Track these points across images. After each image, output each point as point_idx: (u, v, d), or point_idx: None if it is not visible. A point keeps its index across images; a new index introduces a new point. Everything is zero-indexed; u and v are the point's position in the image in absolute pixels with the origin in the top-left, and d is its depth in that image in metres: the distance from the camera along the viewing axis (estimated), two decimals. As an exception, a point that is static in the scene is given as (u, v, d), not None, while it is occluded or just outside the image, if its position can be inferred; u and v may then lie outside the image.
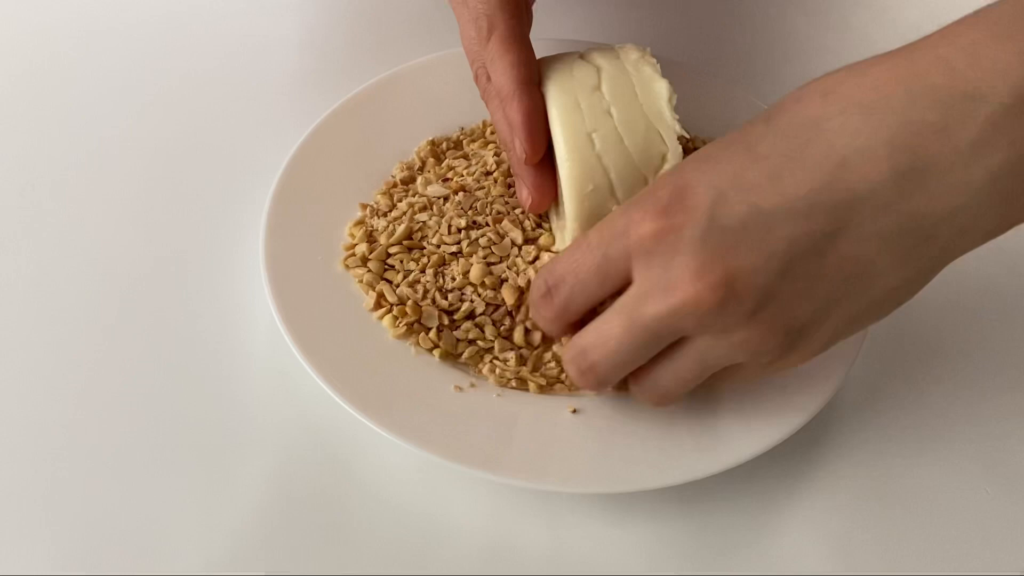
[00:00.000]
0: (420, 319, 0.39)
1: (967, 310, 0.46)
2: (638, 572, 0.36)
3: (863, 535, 0.38)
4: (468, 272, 0.40)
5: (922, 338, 0.44)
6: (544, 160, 0.39)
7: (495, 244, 0.41)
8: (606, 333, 0.33)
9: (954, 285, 0.46)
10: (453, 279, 0.41)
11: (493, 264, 0.41)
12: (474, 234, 0.42)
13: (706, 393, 0.39)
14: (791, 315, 0.31)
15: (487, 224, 0.42)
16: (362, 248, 0.42)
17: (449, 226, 0.42)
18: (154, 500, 0.36)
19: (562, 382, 0.39)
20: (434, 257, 0.41)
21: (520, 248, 0.42)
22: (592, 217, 0.37)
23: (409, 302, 0.40)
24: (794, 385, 0.39)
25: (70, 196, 0.46)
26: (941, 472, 0.40)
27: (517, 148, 0.38)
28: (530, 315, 0.37)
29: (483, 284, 0.40)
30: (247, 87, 0.53)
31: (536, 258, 0.41)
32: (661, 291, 0.31)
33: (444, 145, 0.47)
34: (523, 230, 0.42)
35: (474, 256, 0.41)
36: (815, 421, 0.38)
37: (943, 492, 0.39)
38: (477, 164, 0.45)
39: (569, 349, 0.35)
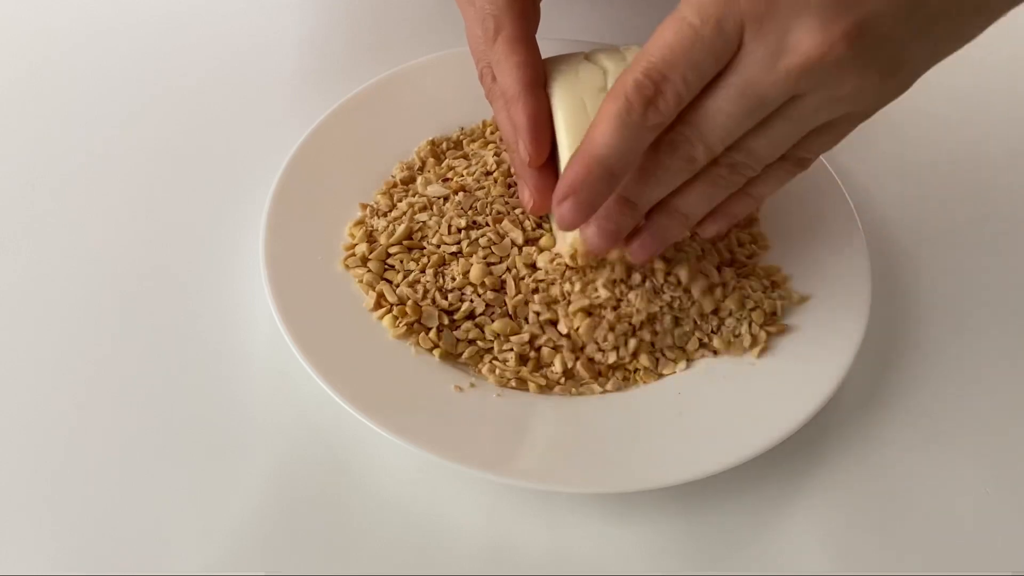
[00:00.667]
0: (420, 319, 0.39)
1: (966, 309, 0.46)
2: (638, 572, 0.36)
3: (863, 535, 0.38)
4: (468, 272, 0.40)
5: (921, 338, 0.44)
6: (547, 162, 0.39)
7: (495, 244, 0.41)
8: (718, 108, 0.31)
9: (953, 284, 0.47)
10: (453, 279, 0.41)
11: (493, 264, 0.41)
12: (474, 234, 0.42)
13: (708, 391, 0.39)
14: (907, 57, 0.30)
15: (487, 224, 0.42)
16: (362, 248, 0.42)
17: (449, 226, 0.42)
18: (154, 500, 0.36)
19: (560, 384, 0.39)
20: (434, 257, 0.41)
21: (520, 248, 0.41)
22: None
23: (409, 302, 0.40)
24: (793, 385, 0.39)
25: (70, 197, 0.46)
26: (941, 472, 0.40)
27: (521, 150, 0.38)
28: (609, 136, 0.33)
29: (483, 284, 0.40)
30: (247, 87, 0.53)
31: (534, 264, 0.41)
32: (782, 53, 0.29)
33: (444, 145, 0.47)
34: (523, 230, 0.42)
35: (474, 256, 0.41)
36: (815, 421, 0.38)
37: (943, 492, 0.39)
38: (477, 164, 0.45)
39: (680, 131, 0.33)
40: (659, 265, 0.41)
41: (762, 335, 0.41)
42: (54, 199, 0.46)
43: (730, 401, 0.39)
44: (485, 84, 0.40)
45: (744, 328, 0.41)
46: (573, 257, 0.40)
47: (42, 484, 0.37)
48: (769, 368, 0.40)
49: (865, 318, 0.41)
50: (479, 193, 0.44)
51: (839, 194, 0.46)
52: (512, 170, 0.43)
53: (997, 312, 0.46)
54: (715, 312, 0.41)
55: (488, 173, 0.45)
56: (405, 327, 0.39)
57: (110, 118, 0.50)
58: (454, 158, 0.46)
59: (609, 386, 0.39)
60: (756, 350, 0.40)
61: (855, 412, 0.41)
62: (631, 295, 0.40)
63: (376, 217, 0.43)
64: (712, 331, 0.41)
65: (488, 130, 0.48)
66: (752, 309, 0.41)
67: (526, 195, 0.40)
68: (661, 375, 0.40)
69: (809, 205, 0.46)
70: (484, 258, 0.41)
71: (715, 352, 0.41)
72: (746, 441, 0.36)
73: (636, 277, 0.40)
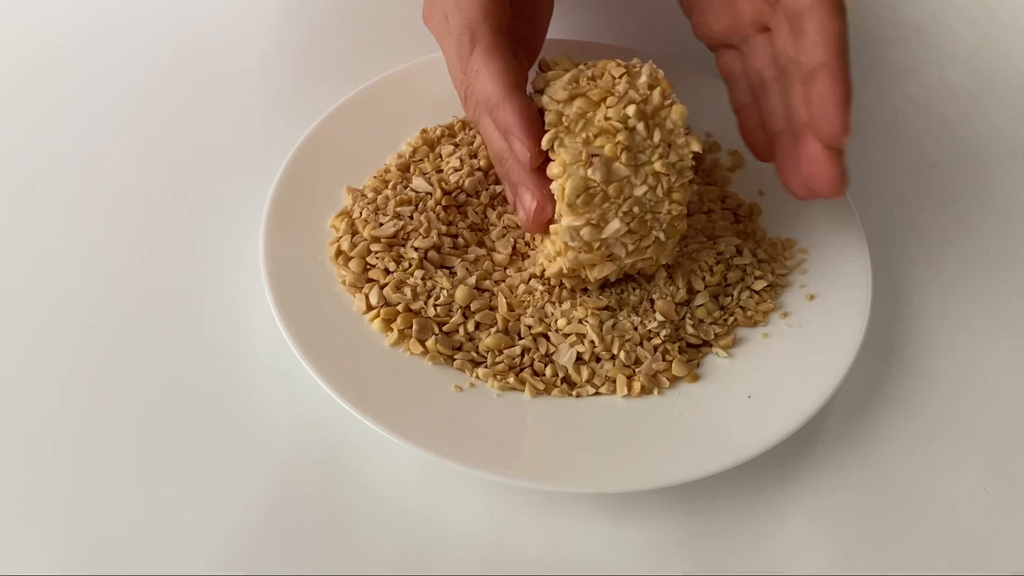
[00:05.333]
0: (412, 327, 0.39)
1: (965, 309, 0.46)
2: (638, 572, 0.36)
3: (863, 535, 0.38)
4: (455, 292, 0.40)
5: (921, 337, 0.44)
6: (542, 171, 0.38)
7: (480, 260, 0.42)
8: None
9: (953, 284, 0.47)
10: (439, 296, 0.40)
11: (481, 280, 0.41)
12: (464, 249, 0.42)
13: (708, 391, 0.39)
14: None
15: (474, 241, 0.42)
16: (345, 242, 0.41)
17: (435, 231, 0.42)
18: (155, 500, 0.36)
19: (557, 387, 0.39)
20: (415, 262, 0.41)
21: (505, 269, 0.42)
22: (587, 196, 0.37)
23: (400, 306, 0.40)
24: (794, 384, 0.39)
25: (69, 197, 0.46)
26: (941, 472, 0.40)
27: (517, 149, 0.37)
28: None
29: (469, 308, 0.40)
30: (247, 86, 0.52)
31: (529, 277, 0.41)
32: None
33: (439, 131, 0.47)
34: (512, 248, 0.42)
35: (459, 273, 0.41)
36: (814, 421, 0.38)
37: (943, 492, 0.39)
38: (470, 151, 0.45)
39: None
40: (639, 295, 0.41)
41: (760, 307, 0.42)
42: (53, 201, 0.46)
43: (730, 401, 0.39)
44: (469, 109, 0.39)
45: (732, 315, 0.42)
46: (558, 275, 0.40)
47: (42, 484, 0.37)
48: (769, 368, 0.40)
49: (865, 318, 0.41)
50: (462, 198, 0.44)
51: (839, 194, 0.46)
52: (506, 189, 0.42)
53: (997, 311, 0.46)
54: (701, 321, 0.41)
55: (480, 169, 0.45)
56: (398, 333, 0.39)
57: (109, 118, 0.50)
58: (447, 144, 0.46)
59: (604, 388, 0.39)
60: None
61: (855, 412, 0.41)
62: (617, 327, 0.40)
63: (360, 202, 0.43)
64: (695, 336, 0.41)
65: None
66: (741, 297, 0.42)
67: (527, 199, 0.39)
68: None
69: (809, 205, 0.46)
70: (471, 274, 0.41)
71: (711, 347, 0.41)
72: (746, 441, 0.36)
73: (623, 313, 0.41)
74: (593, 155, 0.37)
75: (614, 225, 0.37)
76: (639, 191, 0.37)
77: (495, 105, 0.37)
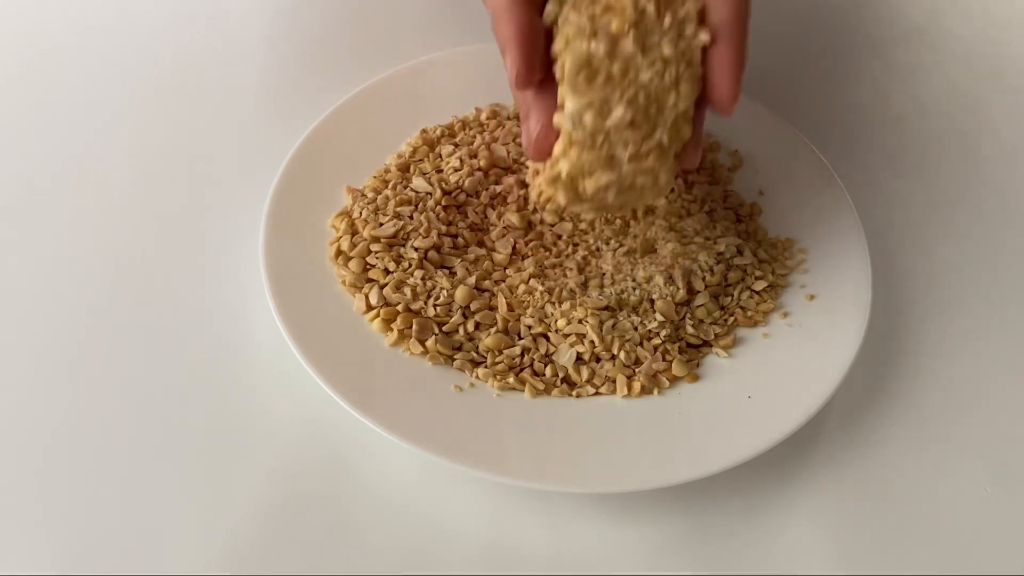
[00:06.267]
0: (412, 327, 0.39)
1: (965, 309, 0.46)
2: (638, 572, 0.36)
3: (863, 535, 0.38)
4: (455, 292, 0.40)
5: (921, 337, 0.44)
6: (549, 94, 0.35)
7: (480, 260, 0.42)
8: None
9: (953, 284, 0.47)
10: (439, 296, 0.40)
11: (481, 280, 0.41)
12: (464, 249, 0.42)
13: (707, 391, 0.39)
14: None
15: (474, 241, 0.42)
16: (345, 242, 0.41)
17: (435, 232, 0.42)
18: (155, 500, 0.36)
19: (557, 387, 0.39)
20: (415, 261, 0.41)
21: (504, 269, 0.42)
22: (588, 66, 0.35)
23: (400, 306, 0.40)
24: (794, 384, 0.39)
25: (69, 198, 0.46)
26: (941, 472, 0.40)
27: (507, 65, 0.35)
28: None
29: (469, 308, 0.40)
30: (247, 87, 0.52)
31: (529, 277, 0.41)
32: None
33: (438, 131, 0.47)
34: (512, 249, 0.42)
35: (457, 275, 0.41)
36: (815, 420, 0.38)
37: (943, 492, 0.39)
38: (469, 152, 0.45)
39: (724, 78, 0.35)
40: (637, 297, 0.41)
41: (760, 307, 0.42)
42: (53, 201, 0.46)
43: (730, 401, 0.39)
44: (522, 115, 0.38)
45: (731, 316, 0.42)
46: (554, 182, 0.37)
47: (42, 484, 0.37)
48: (769, 368, 0.40)
49: (865, 317, 0.41)
50: (462, 198, 0.44)
51: (839, 194, 0.46)
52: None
53: (997, 311, 0.46)
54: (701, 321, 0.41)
55: (479, 170, 0.45)
56: (398, 333, 0.39)
57: (109, 118, 0.50)
58: (448, 144, 0.46)
59: (604, 388, 0.39)
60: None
61: (855, 412, 0.41)
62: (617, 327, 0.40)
63: (360, 202, 0.43)
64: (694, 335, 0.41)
65: (483, 114, 0.48)
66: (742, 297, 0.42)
67: (532, 122, 0.36)
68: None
69: (809, 205, 0.46)
70: (471, 274, 0.41)
71: (711, 347, 0.41)
72: (746, 441, 0.36)
73: (622, 314, 0.41)
74: (598, 29, 0.35)
75: (618, 112, 0.35)
76: (645, 76, 0.35)
77: (496, 16, 0.35)
